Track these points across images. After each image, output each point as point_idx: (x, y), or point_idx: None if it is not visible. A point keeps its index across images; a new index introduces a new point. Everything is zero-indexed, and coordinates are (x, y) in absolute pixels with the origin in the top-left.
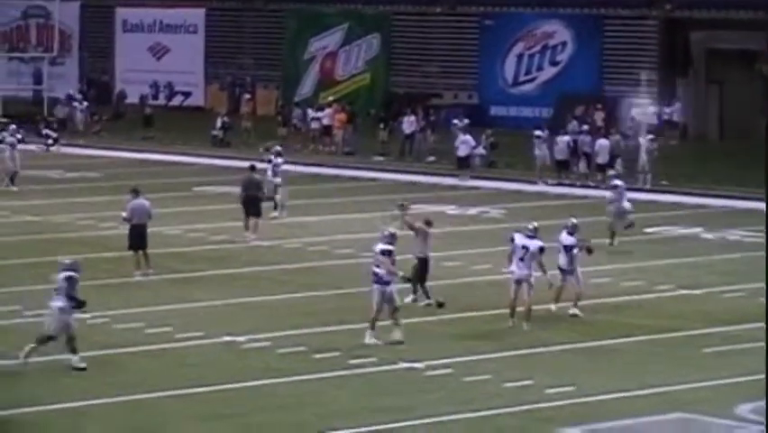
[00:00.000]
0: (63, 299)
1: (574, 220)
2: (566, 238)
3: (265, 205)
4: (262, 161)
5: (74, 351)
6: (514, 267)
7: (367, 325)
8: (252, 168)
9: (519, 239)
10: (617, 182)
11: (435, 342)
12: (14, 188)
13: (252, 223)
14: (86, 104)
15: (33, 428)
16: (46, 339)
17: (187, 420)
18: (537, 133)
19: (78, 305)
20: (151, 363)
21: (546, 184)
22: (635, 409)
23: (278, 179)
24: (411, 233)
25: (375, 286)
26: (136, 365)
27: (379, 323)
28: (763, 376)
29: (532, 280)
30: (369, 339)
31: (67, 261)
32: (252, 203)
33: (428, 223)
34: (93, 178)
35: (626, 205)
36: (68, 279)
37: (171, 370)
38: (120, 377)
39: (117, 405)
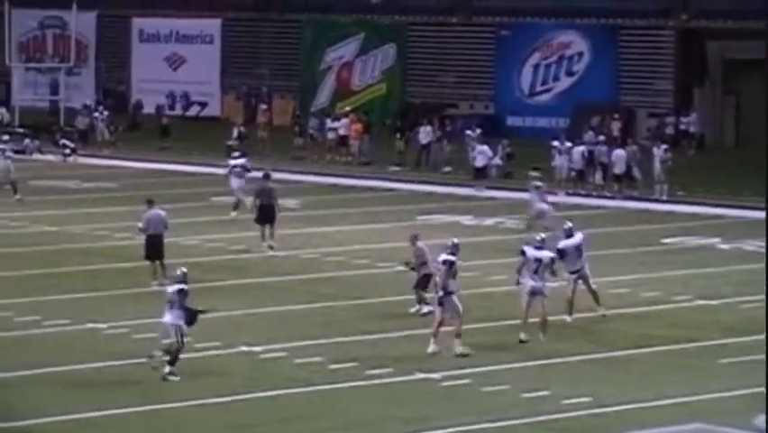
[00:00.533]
0: (176, 312)
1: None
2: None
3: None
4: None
5: (172, 363)
6: (528, 279)
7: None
8: (266, 176)
9: (530, 252)
10: (538, 183)
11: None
12: (17, 197)
13: (268, 232)
14: (107, 113)
15: None
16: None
17: (205, 430)
18: (555, 143)
19: (191, 318)
20: None
21: (567, 194)
22: (652, 419)
23: (239, 181)
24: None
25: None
26: (153, 376)
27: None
28: (765, 389)
29: (546, 291)
30: (431, 348)
31: (178, 272)
32: (266, 211)
33: (414, 237)
34: (109, 188)
35: (544, 206)
36: (180, 291)
37: (189, 380)
38: (137, 387)
39: (134, 415)
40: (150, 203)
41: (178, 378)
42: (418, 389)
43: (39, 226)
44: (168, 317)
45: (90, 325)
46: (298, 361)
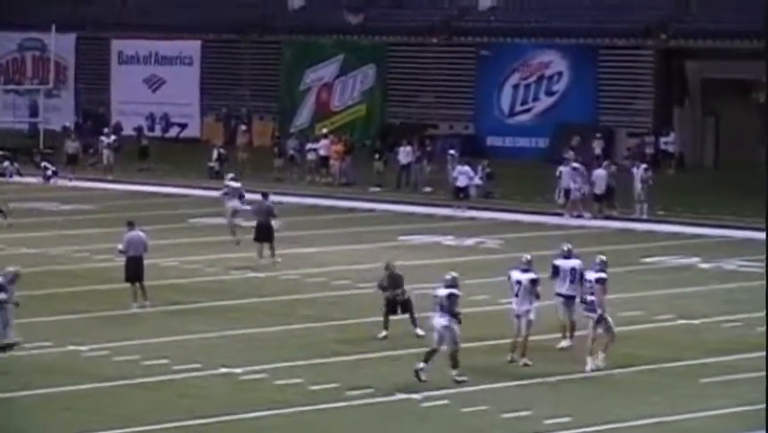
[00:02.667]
0: (446, 315)
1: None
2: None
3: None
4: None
5: (455, 365)
6: (513, 302)
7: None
8: (265, 195)
9: (515, 275)
10: (234, 184)
11: (432, 373)
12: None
13: (267, 250)
14: (114, 137)
15: None
16: (432, 353)
17: None
18: (575, 165)
19: (459, 320)
20: (149, 396)
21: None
22: None
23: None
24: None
25: (585, 313)
26: (133, 398)
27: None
28: (762, 406)
29: (531, 315)
30: (590, 365)
31: (448, 277)
32: (263, 230)
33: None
34: (88, 210)
35: (237, 204)
36: (450, 296)
37: (169, 402)
38: (117, 410)
39: None
40: (131, 225)
41: (467, 378)
42: (399, 410)
43: (18, 249)
44: (439, 321)
45: (71, 347)
46: (278, 382)
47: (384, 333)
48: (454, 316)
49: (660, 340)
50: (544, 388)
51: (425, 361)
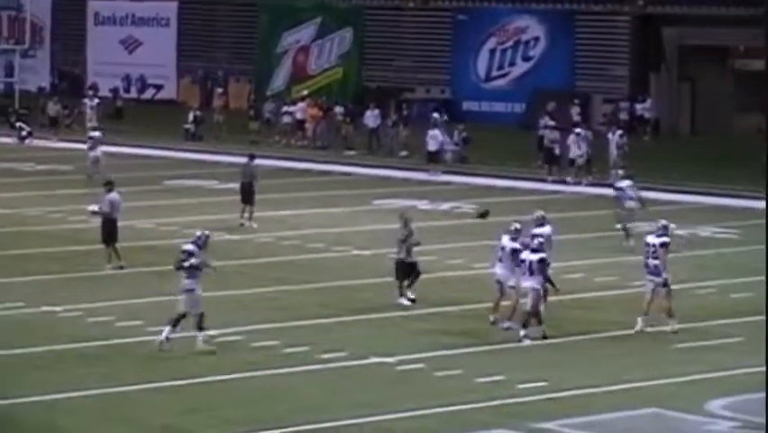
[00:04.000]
0: (537, 278)
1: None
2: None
3: None
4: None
5: (539, 322)
6: (496, 267)
7: None
8: (251, 157)
9: (503, 240)
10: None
11: (407, 337)
12: None
13: (248, 210)
14: (96, 100)
15: (4, 422)
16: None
17: (159, 414)
18: (578, 131)
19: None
20: (123, 357)
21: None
22: (607, 404)
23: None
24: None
25: (649, 277)
26: (107, 359)
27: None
28: (735, 372)
29: (511, 282)
30: (639, 326)
31: (535, 244)
32: (245, 191)
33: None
34: (64, 171)
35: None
36: (541, 261)
37: (143, 364)
38: (91, 370)
39: (89, 399)
40: (109, 185)
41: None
42: (373, 373)
43: None
44: (528, 282)
45: (45, 308)
46: (254, 345)
47: (401, 299)
48: (547, 279)
49: (634, 306)
50: (518, 353)
51: (525, 326)
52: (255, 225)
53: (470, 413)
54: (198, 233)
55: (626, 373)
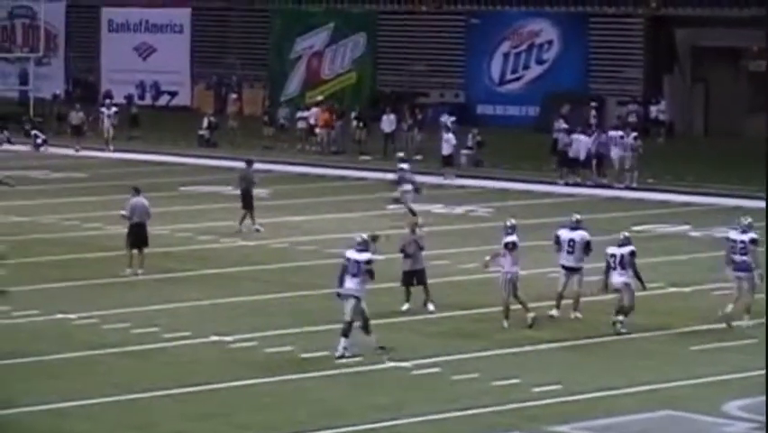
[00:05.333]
0: (626, 272)
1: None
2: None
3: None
4: None
5: (626, 313)
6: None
7: None
8: (249, 162)
9: (505, 238)
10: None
11: (422, 341)
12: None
13: (248, 217)
14: (114, 109)
15: (19, 430)
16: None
17: (175, 420)
18: (620, 133)
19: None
20: (139, 364)
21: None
22: (623, 407)
23: None
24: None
25: (736, 273)
26: (123, 366)
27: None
28: (752, 373)
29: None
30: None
31: (622, 236)
32: (244, 196)
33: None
34: (79, 178)
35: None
36: (632, 253)
37: (159, 370)
38: (107, 377)
39: (104, 405)
40: (136, 191)
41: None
42: (389, 377)
43: (8, 217)
44: (619, 278)
45: (60, 315)
46: (269, 350)
47: (406, 305)
48: (636, 273)
49: (650, 308)
50: (534, 355)
51: (617, 314)
52: (262, 229)
53: (487, 417)
54: (361, 237)
55: (642, 374)
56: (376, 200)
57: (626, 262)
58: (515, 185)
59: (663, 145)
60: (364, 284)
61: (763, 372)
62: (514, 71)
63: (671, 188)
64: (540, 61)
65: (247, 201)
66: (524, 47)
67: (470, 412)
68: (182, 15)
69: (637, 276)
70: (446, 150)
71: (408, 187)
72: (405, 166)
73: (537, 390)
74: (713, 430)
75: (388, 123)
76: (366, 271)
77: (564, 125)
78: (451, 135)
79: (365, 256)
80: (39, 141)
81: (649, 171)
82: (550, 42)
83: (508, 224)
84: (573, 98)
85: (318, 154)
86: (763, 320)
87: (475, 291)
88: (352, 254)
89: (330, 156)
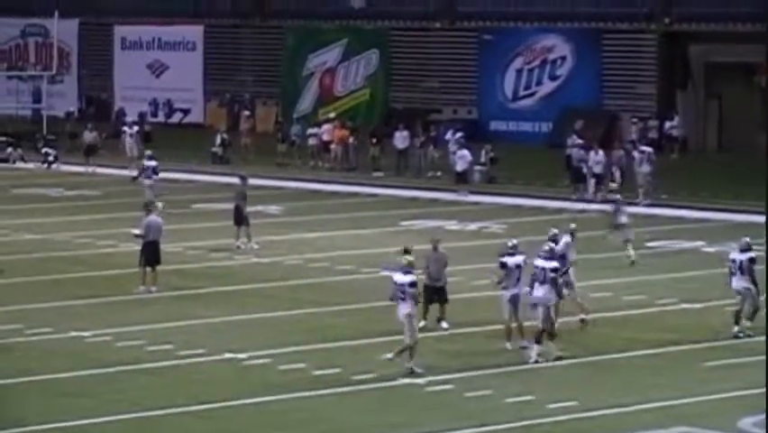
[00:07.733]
0: (747, 277)
1: (515, 241)
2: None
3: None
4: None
5: (750, 318)
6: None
7: None
8: (242, 178)
9: (509, 261)
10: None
11: (436, 358)
12: None
13: (243, 231)
14: (136, 128)
15: None
16: (738, 313)
17: None
18: (643, 149)
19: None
20: (152, 381)
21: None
22: (637, 423)
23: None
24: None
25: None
26: (137, 383)
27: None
28: (765, 390)
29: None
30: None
31: (743, 241)
32: (237, 213)
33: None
34: (92, 196)
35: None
36: (752, 259)
37: (172, 388)
38: (121, 395)
39: (118, 423)
40: (149, 209)
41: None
42: (402, 395)
43: (21, 235)
44: (740, 283)
45: (73, 333)
46: (282, 367)
47: (423, 322)
48: (753, 280)
49: (664, 324)
50: (547, 372)
51: (737, 321)
52: (256, 246)
53: None
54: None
55: (656, 391)
56: (389, 217)
57: (746, 268)
58: (528, 201)
59: (677, 161)
60: (552, 292)
61: None
62: (527, 87)
63: (684, 204)
64: (553, 77)
65: (241, 217)
66: (537, 63)
67: (483, 429)
68: (195, 33)
69: (754, 282)
70: (460, 166)
71: (624, 219)
72: (618, 197)
73: (551, 406)
74: None
75: (401, 139)
76: (552, 280)
77: (578, 141)
78: (466, 152)
79: (551, 264)
80: (51, 158)
81: (663, 187)
82: (563, 58)
83: (509, 244)
84: (587, 115)
85: (331, 171)
86: (761, 323)
87: (488, 308)
88: (541, 262)
89: (343, 172)
